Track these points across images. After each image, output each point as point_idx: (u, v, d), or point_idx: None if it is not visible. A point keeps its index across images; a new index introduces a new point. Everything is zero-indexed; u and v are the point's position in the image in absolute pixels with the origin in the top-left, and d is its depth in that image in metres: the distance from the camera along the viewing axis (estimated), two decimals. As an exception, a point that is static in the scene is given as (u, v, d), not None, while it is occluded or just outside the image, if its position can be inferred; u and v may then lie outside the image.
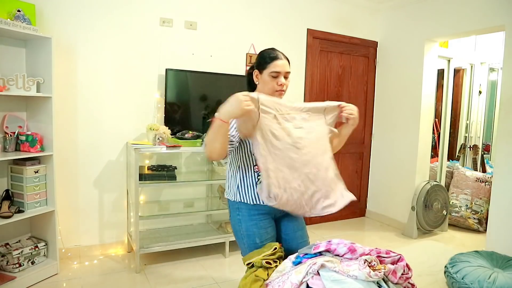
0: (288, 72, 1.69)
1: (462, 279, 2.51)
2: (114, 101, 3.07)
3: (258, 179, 1.63)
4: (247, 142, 1.63)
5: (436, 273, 2.95)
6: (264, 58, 1.67)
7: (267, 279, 1.52)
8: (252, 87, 1.76)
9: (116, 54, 3.03)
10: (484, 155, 4.89)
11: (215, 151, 1.48)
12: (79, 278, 2.67)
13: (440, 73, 4.36)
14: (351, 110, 1.68)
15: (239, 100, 1.41)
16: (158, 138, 2.92)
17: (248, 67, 1.76)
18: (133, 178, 2.86)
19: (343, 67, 4.22)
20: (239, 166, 1.68)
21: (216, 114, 1.44)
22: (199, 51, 3.35)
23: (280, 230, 1.77)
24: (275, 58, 1.66)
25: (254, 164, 1.63)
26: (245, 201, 1.68)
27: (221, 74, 3.37)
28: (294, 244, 1.74)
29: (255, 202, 1.66)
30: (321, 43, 4.02)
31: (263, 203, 1.59)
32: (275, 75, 1.65)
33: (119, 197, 3.16)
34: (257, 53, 1.96)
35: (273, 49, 1.71)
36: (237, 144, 1.60)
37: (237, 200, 1.70)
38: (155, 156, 3.24)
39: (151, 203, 3.26)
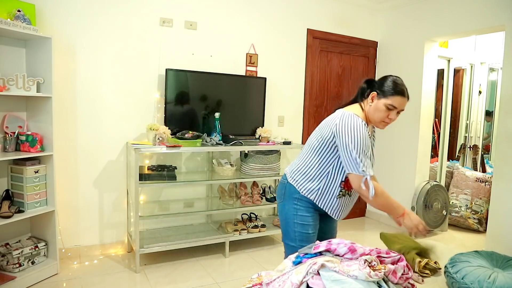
0: (403, 110, 1.73)
1: (462, 279, 2.51)
2: (114, 101, 3.06)
3: (340, 193, 1.77)
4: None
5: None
6: (390, 88, 1.69)
7: None
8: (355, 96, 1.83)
9: (116, 54, 3.03)
10: (484, 155, 4.90)
11: (376, 201, 1.68)
12: (79, 278, 2.67)
13: (440, 73, 4.36)
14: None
15: (418, 226, 1.67)
16: (158, 138, 2.92)
17: (365, 82, 1.80)
18: (133, 178, 2.86)
19: (343, 67, 4.22)
20: (329, 172, 1.75)
21: (407, 215, 1.71)
22: (199, 51, 3.35)
23: (321, 221, 1.90)
24: (401, 93, 1.68)
25: (342, 180, 1.75)
26: (312, 198, 1.78)
27: (221, 74, 3.37)
28: (329, 234, 1.95)
29: (318, 203, 1.79)
30: (321, 43, 4.02)
31: (322, 208, 1.79)
32: (391, 109, 1.69)
33: (119, 197, 3.15)
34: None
35: (401, 80, 1.73)
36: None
37: (305, 195, 1.79)
38: (155, 156, 3.24)
39: (151, 203, 3.26)
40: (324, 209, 1.80)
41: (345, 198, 1.81)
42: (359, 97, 1.80)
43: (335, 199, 1.78)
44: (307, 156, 1.82)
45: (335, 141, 1.69)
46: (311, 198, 1.78)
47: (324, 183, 1.76)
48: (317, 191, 1.77)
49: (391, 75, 1.74)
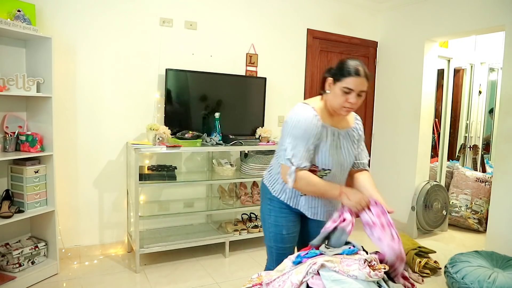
0: (364, 91, 1.58)
1: (462, 279, 2.51)
2: (114, 101, 3.06)
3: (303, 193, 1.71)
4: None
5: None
6: (343, 70, 1.56)
7: None
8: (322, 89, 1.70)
9: (116, 54, 3.03)
10: (484, 155, 4.89)
11: (301, 190, 1.64)
12: (79, 278, 2.67)
13: (440, 73, 4.36)
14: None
15: (360, 203, 1.49)
16: (158, 138, 2.92)
17: (326, 72, 1.68)
18: (133, 178, 2.86)
19: (343, 67, 4.21)
20: None
21: (344, 194, 1.53)
22: (199, 51, 3.35)
23: (307, 224, 1.83)
24: (355, 73, 1.54)
25: None
26: (282, 199, 1.74)
27: (221, 74, 3.37)
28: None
29: (289, 204, 1.74)
30: (321, 43, 4.02)
31: (297, 208, 1.74)
32: (348, 91, 1.55)
33: (119, 197, 3.16)
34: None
35: (358, 61, 1.58)
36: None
37: (276, 196, 1.75)
38: (155, 156, 3.24)
39: (151, 203, 3.26)
40: (297, 208, 1.74)
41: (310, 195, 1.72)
42: (321, 88, 1.70)
43: (301, 197, 1.72)
44: (276, 156, 1.79)
45: None
46: (281, 198, 1.74)
47: None
48: (285, 191, 1.73)
49: (347, 59, 1.61)
